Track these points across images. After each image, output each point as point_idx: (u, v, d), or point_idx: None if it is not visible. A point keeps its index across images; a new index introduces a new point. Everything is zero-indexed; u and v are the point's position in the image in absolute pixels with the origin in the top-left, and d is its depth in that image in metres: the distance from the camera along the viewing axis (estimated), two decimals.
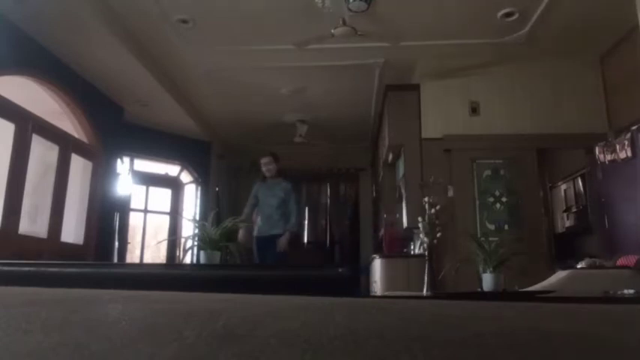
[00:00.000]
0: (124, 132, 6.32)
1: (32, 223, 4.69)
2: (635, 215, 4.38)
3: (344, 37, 4.33)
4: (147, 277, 1.53)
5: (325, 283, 1.35)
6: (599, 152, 4.82)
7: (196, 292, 0.88)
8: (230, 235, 2.10)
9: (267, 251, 4.80)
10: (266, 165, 5.04)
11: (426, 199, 3.07)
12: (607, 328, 0.59)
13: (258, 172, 5.19)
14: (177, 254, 7.19)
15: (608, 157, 4.70)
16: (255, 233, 5.01)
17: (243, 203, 8.92)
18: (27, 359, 0.43)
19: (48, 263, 1.82)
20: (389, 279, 4.93)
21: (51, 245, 4.84)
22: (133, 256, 6.94)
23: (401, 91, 5.51)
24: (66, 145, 5.17)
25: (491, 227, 4.84)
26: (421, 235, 3.06)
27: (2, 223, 4.16)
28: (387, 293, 4.50)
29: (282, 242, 4.77)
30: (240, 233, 4.75)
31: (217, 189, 7.98)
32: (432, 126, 5.17)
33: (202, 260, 2.05)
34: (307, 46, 4.58)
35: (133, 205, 6.92)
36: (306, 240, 8.67)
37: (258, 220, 5.00)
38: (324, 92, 6.34)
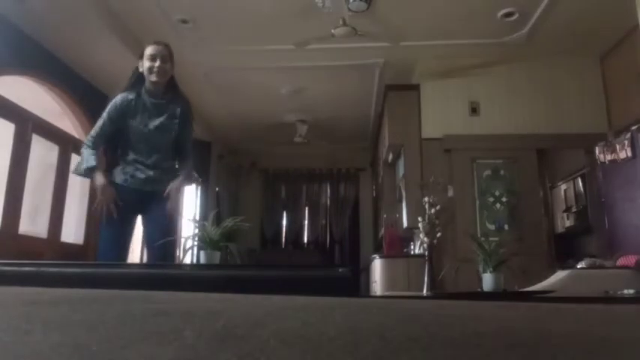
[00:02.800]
0: None
1: (32, 223, 4.69)
2: (635, 215, 4.38)
3: (344, 37, 4.33)
4: (147, 277, 1.53)
5: (325, 283, 1.35)
6: (599, 152, 4.82)
7: (196, 292, 0.88)
8: (230, 236, 2.10)
9: (145, 216, 2.76)
10: (160, 59, 2.74)
11: (426, 199, 3.06)
12: (607, 328, 0.59)
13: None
14: (177, 254, 7.19)
15: (608, 157, 4.69)
16: (120, 180, 2.70)
17: (243, 203, 9.02)
18: (27, 359, 0.43)
19: (48, 263, 1.82)
20: (389, 279, 4.93)
21: (51, 245, 4.84)
22: (133, 257, 6.94)
23: (401, 91, 5.51)
24: (66, 145, 5.17)
25: (491, 227, 4.84)
26: (421, 235, 3.06)
27: (2, 223, 4.16)
28: (387, 293, 4.50)
29: (175, 199, 2.73)
30: (101, 185, 2.59)
31: (217, 189, 7.98)
32: (432, 126, 5.16)
33: (202, 260, 2.05)
34: (307, 46, 4.58)
35: None
36: (306, 240, 8.67)
37: (129, 161, 2.72)
38: (324, 92, 6.34)
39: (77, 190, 5.42)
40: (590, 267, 3.47)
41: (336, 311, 0.63)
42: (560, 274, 3.09)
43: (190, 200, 7.66)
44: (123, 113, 2.67)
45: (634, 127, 4.41)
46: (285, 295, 0.83)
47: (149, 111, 2.69)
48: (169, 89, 2.77)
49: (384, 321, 0.59)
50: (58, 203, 5.00)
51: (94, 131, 2.72)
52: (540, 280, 3.10)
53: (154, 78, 2.67)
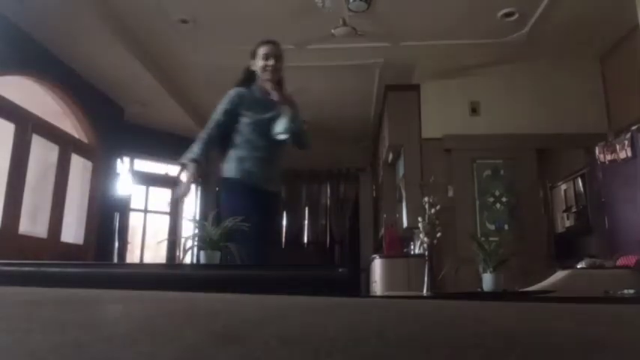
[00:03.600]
0: (124, 132, 6.32)
1: (32, 223, 4.69)
2: (635, 215, 4.38)
3: (344, 37, 4.34)
4: (147, 277, 1.53)
5: (325, 283, 1.35)
6: (599, 152, 4.82)
7: (196, 292, 0.88)
8: (230, 236, 2.10)
9: (264, 216, 2.53)
10: (274, 57, 2.68)
11: (426, 199, 3.06)
12: (607, 328, 0.59)
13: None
14: (177, 254, 7.18)
15: (608, 157, 4.69)
16: (237, 175, 2.64)
17: None
18: (27, 359, 0.43)
19: (48, 263, 1.82)
20: (389, 279, 4.93)
21: (51, 245, 4.84)
22: (133, 257, 6.94)
23: (401, 91, 5.51)
24: (66, 145, 5.17)
25: (491, 227, 4.84)
26: (421, 235, 3.06)
27: (2, 223, 4.16)
28: (387, 293, 4.50)
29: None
30: (185, 179, 2.57)
31: (217, 189, 7.97)
32: (432, 126, 5.16)
33: (202, 260, 2.04)
34: (307, 46, 4.59)
35: (133, 205, 6.92)
36: (306, 240, 8.66)
37: (242, 156, 2.67)
38: (324, 92, 6.34)
39: (77, 190, 5.43)
40: (590, 267, 3.46)
41: (336, 311, 0.63)
42: (560, 274, 3.08)
43: (190, 200, 7.67)
44: (238, 104, 2.69)
45: (634, 127, 4.40)
46: (285, 295, 0.83)
47: (262, 105, 2.69)
48: (278, 87, 2.75)
49: (384, 321, 0.59)
50: (58, 203, 5.00)
51: (208, 124, 2.74)
52: (540, 280, 3.10)
53: (267, 76, 2.67)
